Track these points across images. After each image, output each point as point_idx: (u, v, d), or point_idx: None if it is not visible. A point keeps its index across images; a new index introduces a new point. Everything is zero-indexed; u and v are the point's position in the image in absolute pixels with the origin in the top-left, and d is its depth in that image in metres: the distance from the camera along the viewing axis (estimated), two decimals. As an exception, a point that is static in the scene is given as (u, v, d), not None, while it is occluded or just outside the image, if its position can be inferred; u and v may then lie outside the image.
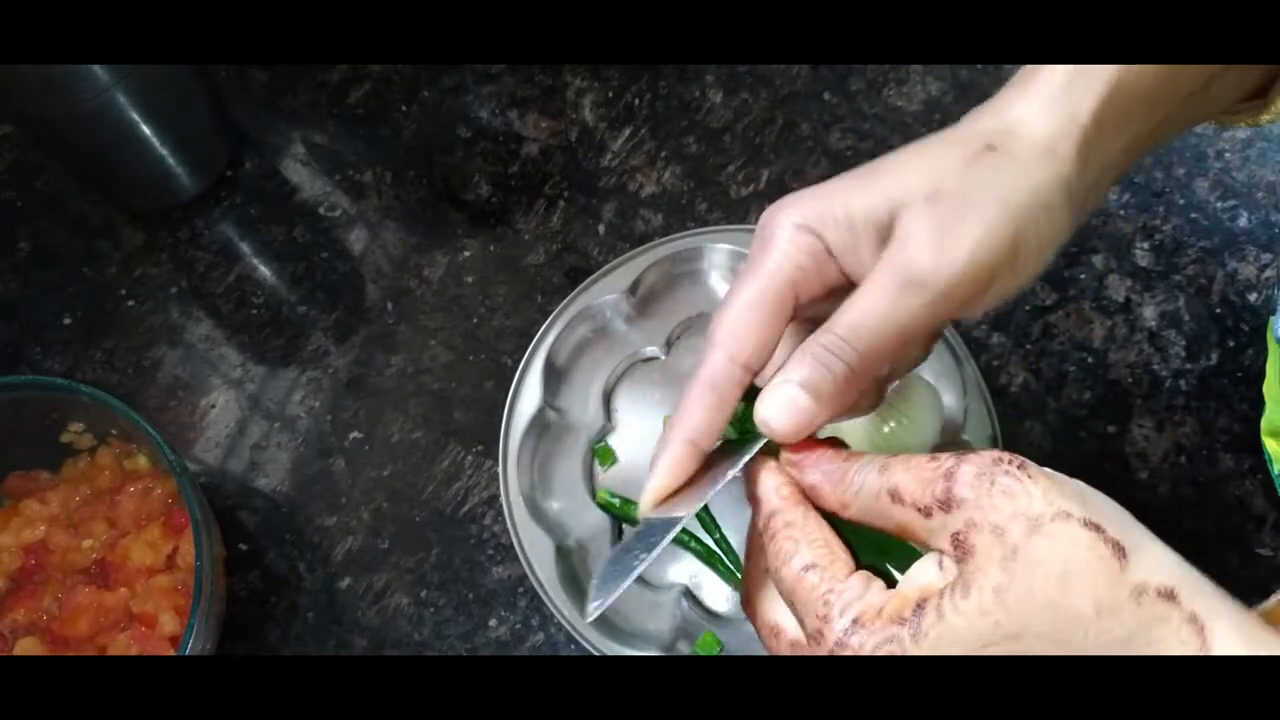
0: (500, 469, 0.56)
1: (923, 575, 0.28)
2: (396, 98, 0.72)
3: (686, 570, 0.56)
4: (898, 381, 0.55)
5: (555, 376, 0.59)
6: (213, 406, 0.62)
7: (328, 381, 0.63)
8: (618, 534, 0.57)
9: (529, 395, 0.58)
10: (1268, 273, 0.63)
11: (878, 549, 0.32)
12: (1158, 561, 0.26)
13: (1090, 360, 0.62)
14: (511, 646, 0.56)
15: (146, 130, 0.62)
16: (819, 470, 0.32)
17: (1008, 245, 0.31)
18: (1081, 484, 0.28)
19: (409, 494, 0.60)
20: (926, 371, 0.58)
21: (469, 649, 0.56)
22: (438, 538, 0.59)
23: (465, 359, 0.63)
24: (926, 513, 0.28)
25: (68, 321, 0.65)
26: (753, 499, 0.34)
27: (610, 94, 0.71)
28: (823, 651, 0.29)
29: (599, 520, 0.57)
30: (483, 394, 0.62)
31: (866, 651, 0.28)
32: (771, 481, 0.33)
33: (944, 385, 0.57)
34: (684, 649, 0.53)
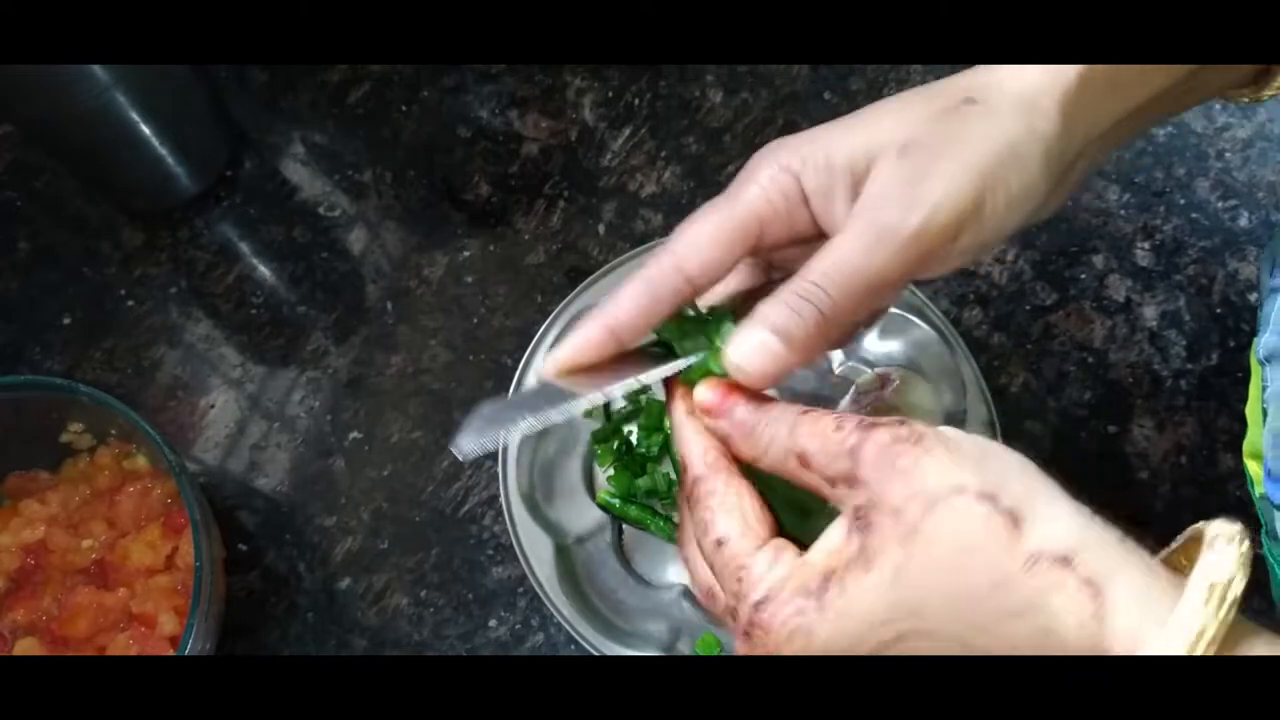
0: (500, 469, 0.56)
1: (829, 544, 0.29)
2: (396, 98, 0.72)
3: (686, 570, 0.56)
4: (897, 381, 0.55)
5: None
6: (212, 406, 0.62)
7: (327, 381, 0.63)
8: (618, 534, 0.57)
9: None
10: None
11: (798, 504, 0.32)
12: (1056, 526, 0.27)
13: (1091, 360, 0.62)
14: (511, 646, 0.56)
15: (146, 130, 0.62)
16: (729, 420, 0.32)
17: (974, 197, 0.31)
18: (985, 444, 0.29)
19: (409, 494, 0.60)
20: (927, 371, 0.58)
21: (469, 649, 0.56)
22: (437, 538, 0.59)
23: (465, 359, 0.63)
24: (832, 483, 0.29)
25: (68, 321, 0.65)
26: (679, 457, 0.34)
27: (610, 94, 0.71)
28: (741, 626, 0.30)
29: (599, 520, 0.56)
30: (483, 394, 0.62)
31: (777, 625, 0.28)
32: (698, 446, 0.33)
33: (944, 385, 0.57)
34: (684, 649, 0.53)
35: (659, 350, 0.35)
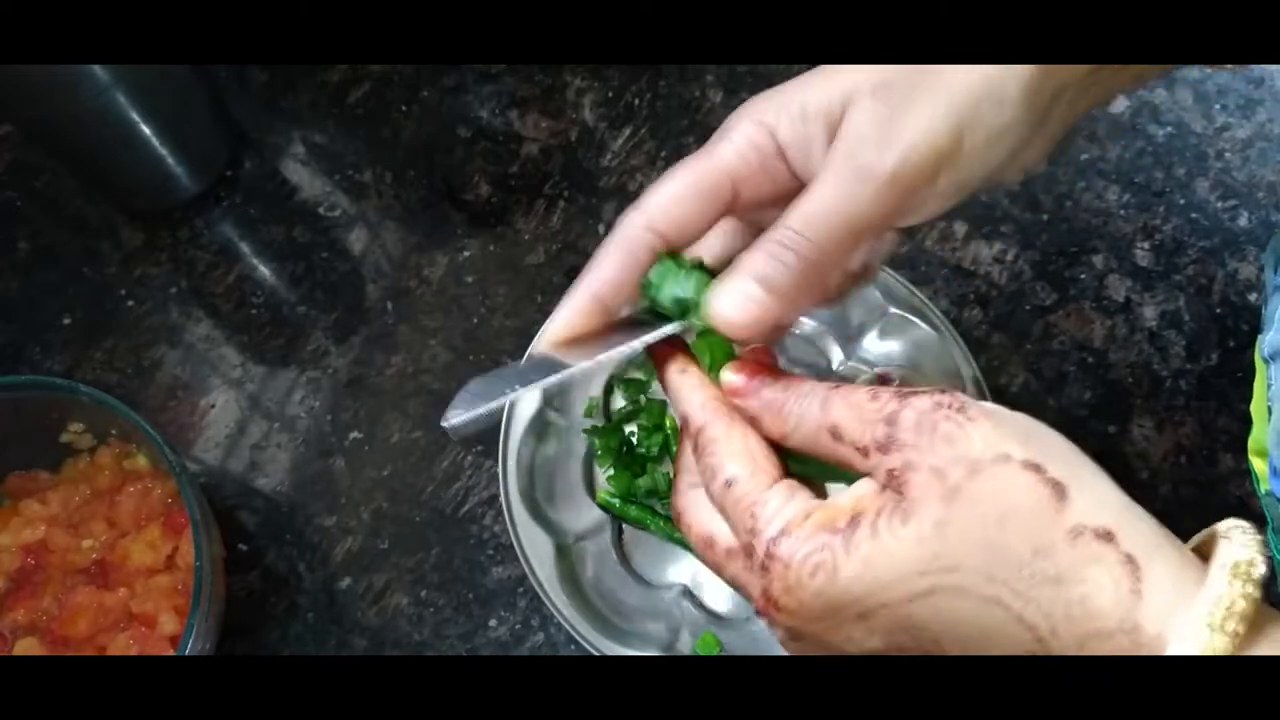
0: (500, 469, 0.56)
1: (858, 491, 0.29)
2: (396, 98, 0.72)
3: (687, 570, 0.56)
4: (897, 381, 0.55)
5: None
6: (212, 406, 0.62)
7: (327, 381, 0.63)
8: (618, 534, 0.57)
9: (529, 395, 0.58)
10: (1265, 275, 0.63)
11: (819, 472, 0.32)
12: (1100, 502, 0.27)
13: (1090, 360, 0.62)
14: (511, 646, 0.56)
15: (146, 130, 0.62)
16: (759, 399, 0.32)
17: (951, 134, 0.31)
18: (1029, 420, 0.29)
19: (409, 494, 0.60)
20: (927, 371, 0.58)
21: (469, 649, 0.56)
22: (438, 538, 0.59)
23: (465, 359, 0.63)
24: (864, 453, 0.29)
25: (68, 321, 0.65)
26: (680, 415, 0.34)
27: (610, 94, 0.71)
28: (756, 562, 0.29)
29: (599, 520, 0.57)
30: (483, 394, 0.62)
31: (798, 559, 0.28)
32: (697, 397, 0.33)
33: (944, 385, 0.56)
34: (684, 649, 0.53)
35: (647, 319, 0.35)
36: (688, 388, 0.33)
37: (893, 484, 0.28)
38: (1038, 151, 0.35)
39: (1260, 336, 0.48)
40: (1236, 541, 0.26)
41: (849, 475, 0.31)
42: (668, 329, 0.33)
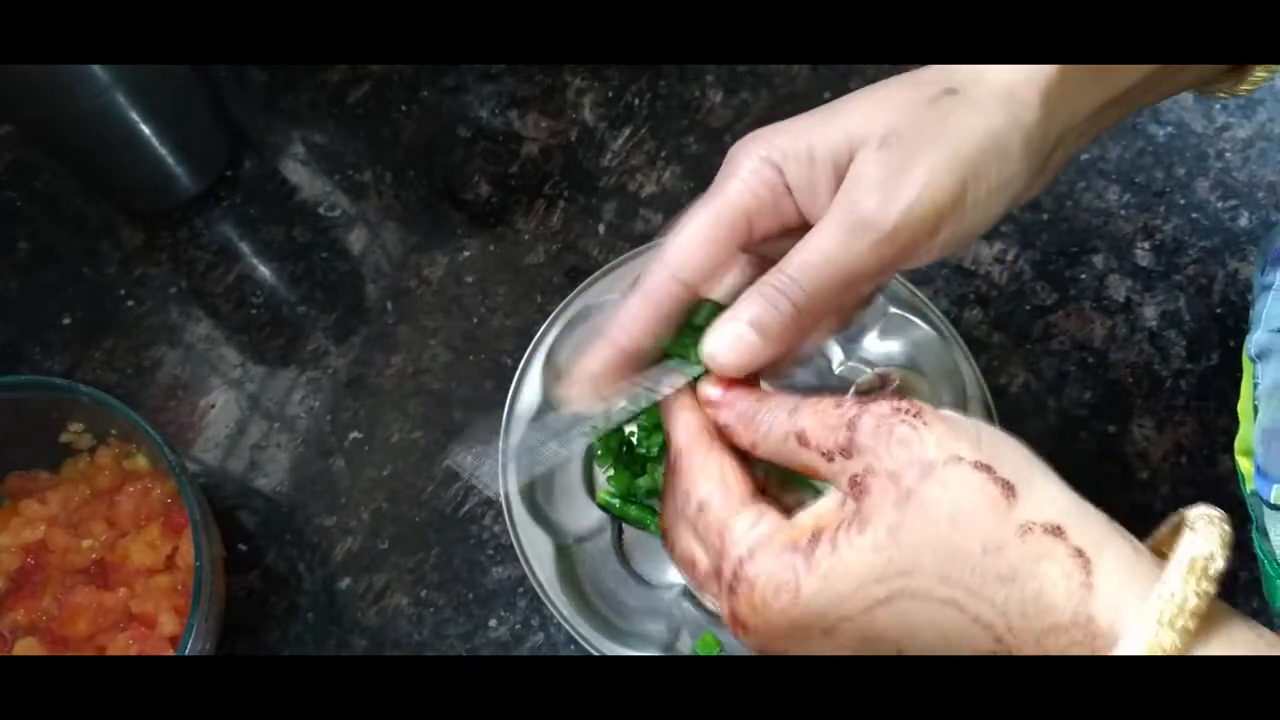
0: (500, 470, 0.56)
1: (820, 508, 0.30)
2: (396, 98, 0.72)
3: (686, 570, 0.56)
4: (897, 381, 0.55)
5: (555, 376, 0.59)
6: (212, 406, 0.62)
7: (327, 381, 0.63)
8: (618, 534, 0.57)
9: (529, 395, 0.57)
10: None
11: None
12: (1049, 499, 0.27)
13: (1091, 360, 0.62)
14: (511, 647, 0.56)
15: (146, 130, 0.62)
16: (733, 411, 0.33)
17: (954, 190, 0.31)
18: (981, 425, 0.29)
19: (409, 494, 0.60)
20: (927, 371, 0.58)
21: (469, 649, 0.56)
22: (437, 538, 0.59)
23: (465, 359, 0.63)
24: (829, 457, 0.30)
25: (67, 321, 0.65)
26: (667, 437, 0.34)
27: (610, 94, 0.71)
28: (724, 584, 0.30)
29: (599, 520, 0.56)
30: (483, 394, 0.62)
31: (762, 580, 0.29)
32: (680, 419, 0.34)
33: (944, 385, 0.57)
34: (684, 649, 0.53)
35: (673, 363, 0.35)
36: (677, 407, 0.34)
37: (854, 490, 0.29)
38: (1037, 190, 0.35)
39: (1248, 336, 0.48)
40: (1201, 534, 0.26)
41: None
42: (691, 373, 0.34)
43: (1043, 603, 0.26)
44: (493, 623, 0.57)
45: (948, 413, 0.29)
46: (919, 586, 0.27)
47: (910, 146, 0.31)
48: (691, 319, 0.35)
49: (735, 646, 0.53)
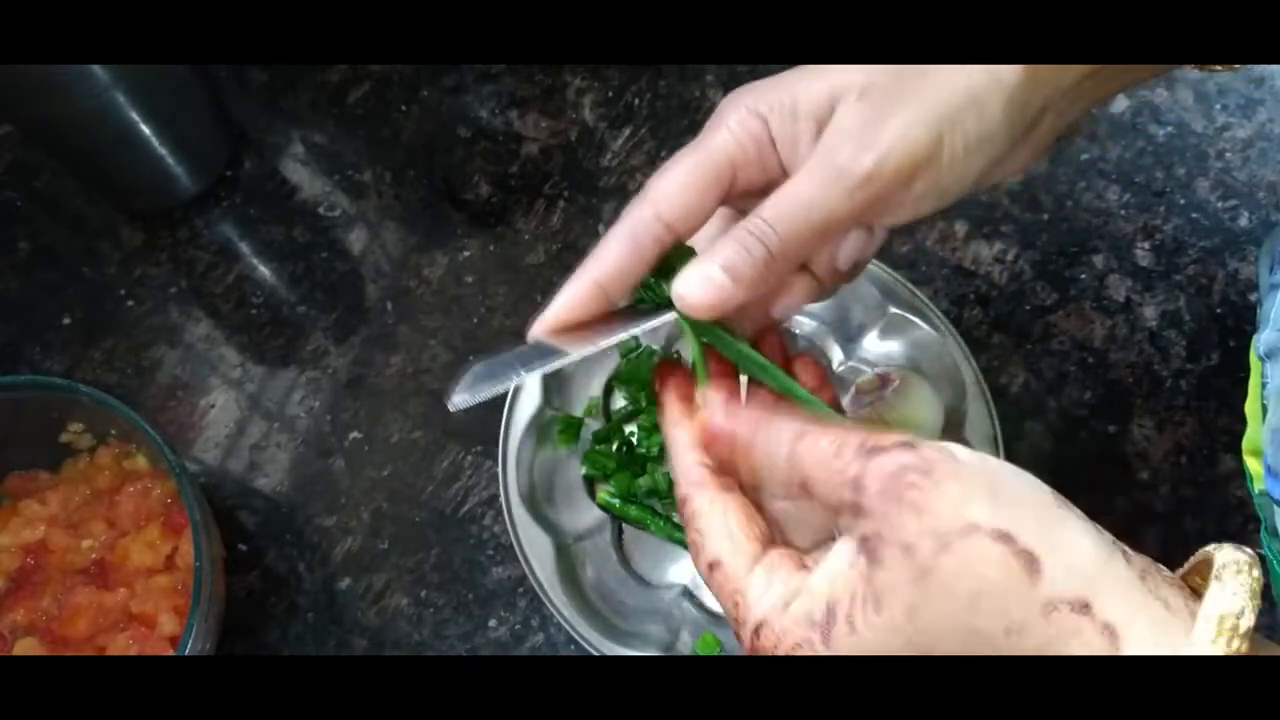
0: (500, 469, 0.56)
1: (834, 568, 0.28)
2: (396, 98, 0.72)
3: (687, 570, 0.56)
4: (897, 381, 0.55)
5: (555, 376, 0.59)
6: (212, 406, 0.62)
7: (327, 381, 0.63)
8: (618, 534, 0.57)
9: (529, 395, 0.58)
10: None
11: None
12: (1074, 566, 0.25)
13: (1091, 360, 0.62)
14: (511, 646, 0.56)
15: (146, 130, 0.62)
16: (730, 447, 0.32)
17: (930, 141, 0.31)
18: (996, 470, 0.27)
19: (409, 494, 0.60)
20: (927, 371, 0.58)
21: (469, 649, 0.56)
22: (437, 538, 0.59)
23: (465, 359, 0.63)
24: (836, 511, 0.28)
25: (67, 321, 0.65)
26: (671, 472, 0.34)
27: (610, 94, 0.71)
28: (746, 642, 0.30)
29: (599, 520, 0.56)
30: (483, 394, 0.62)
31: (782, 649, 0.28)
32: (684, 460, 0.33)
33: (944, 385, 0.57)
34: (684, 649, 0.53)
35: (646, 307, 0.35)
36: (678, 445, 0.33)
37: (866, 549, 0.27)
38: (1027, 158, 0.35)
39: (1255, 335, 0.48)
40: (1229, 586, 0.25)
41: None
42: (667, 317, 0.34)
43: None
44: (493, 623, 0.57)
45: (960, 453, 0.27)
46: None
47: (888, 97, 0.32)
48: (666, 262, 0.34)
49: (735, 646, 0.53)
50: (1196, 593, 0.26)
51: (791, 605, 0.28)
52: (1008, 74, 0.32)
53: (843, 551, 0.28)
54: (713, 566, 0.31)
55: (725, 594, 0.30)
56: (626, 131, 0.70)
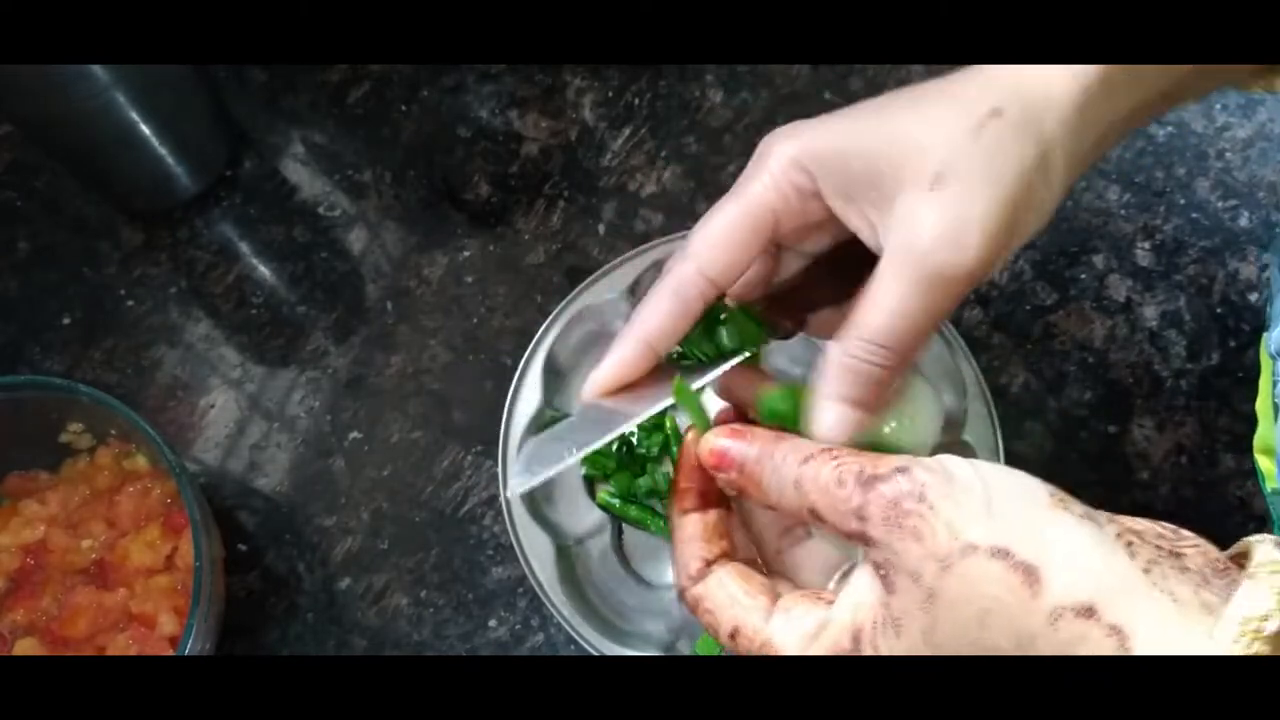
0: (500, 469, 0.56)
1: (856, 598, 0.29)
2: (396, 98, 0.72)
3: (686, 570, 0.56)
4: (898, 381, 0.55)
5: (555, 376, 0.59)
6: (212, 406, 0.62)
7: (327, 381, 0.63)
8: (618, 534, 0.57)
9: (529, 395, 0.58)
10: (1269, 273, 0.63)
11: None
12: (1075, 572, 0.26)
13: (1091, 360, 0.62)
14: (511, 647, 0.56)
15: (146, 130, 0.62)
16: (738, 475, 0.32)
17: (1011, 224, 0.31)
18: (989, 478, 0.28)
19: (409, 494, 0.60)
20: (927, 371, 0.58)
21: (469, 649, 0.56)
22: (437, 538, 0.59)
23: (465, 359, 0.63)
24: (847, 537, 0.29)
25: (67, 321, 0.65)
26: (674, 565, 0.34)
27: (610, 94, 0.71)
28: None
29: (599, 520, 0.56)
30: (482, 394, 0.62)
31: None
32: (685, 553, 0.33)
33: (944, 385, 0.57)
34: (684, 649, 0.53)
35: (689, 362, 0.35)
36: (684, 535, 0.34)
37: (881, 577, 0.28)
38: (1065, 196, 0.35)
39: (1266, 333, 0.48)
40: (1260, 586, 0.25)
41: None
42: (718, 371, 0.34)
43: None
44: (493, 623, 0.57)
45: (955, 469, 0.28)
46: None
47: (969, 186, 0.31)
48: (706, 315, 0.34)
49: (735, 646, 0.53)
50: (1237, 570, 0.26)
51: (819, 637, 0.29)
52: (1066, 129, 0.32)
53: (862, 578, 0.29)
54: (734, 635, 0.31)
55: (753, 650, 0.31)
56: (626, 131, 0.70)
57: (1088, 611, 0.25)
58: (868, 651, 0.28)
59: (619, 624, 0.54)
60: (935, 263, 0.31)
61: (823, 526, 0.30)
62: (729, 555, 0.33)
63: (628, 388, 0.34)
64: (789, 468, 0.30)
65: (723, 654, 0.53)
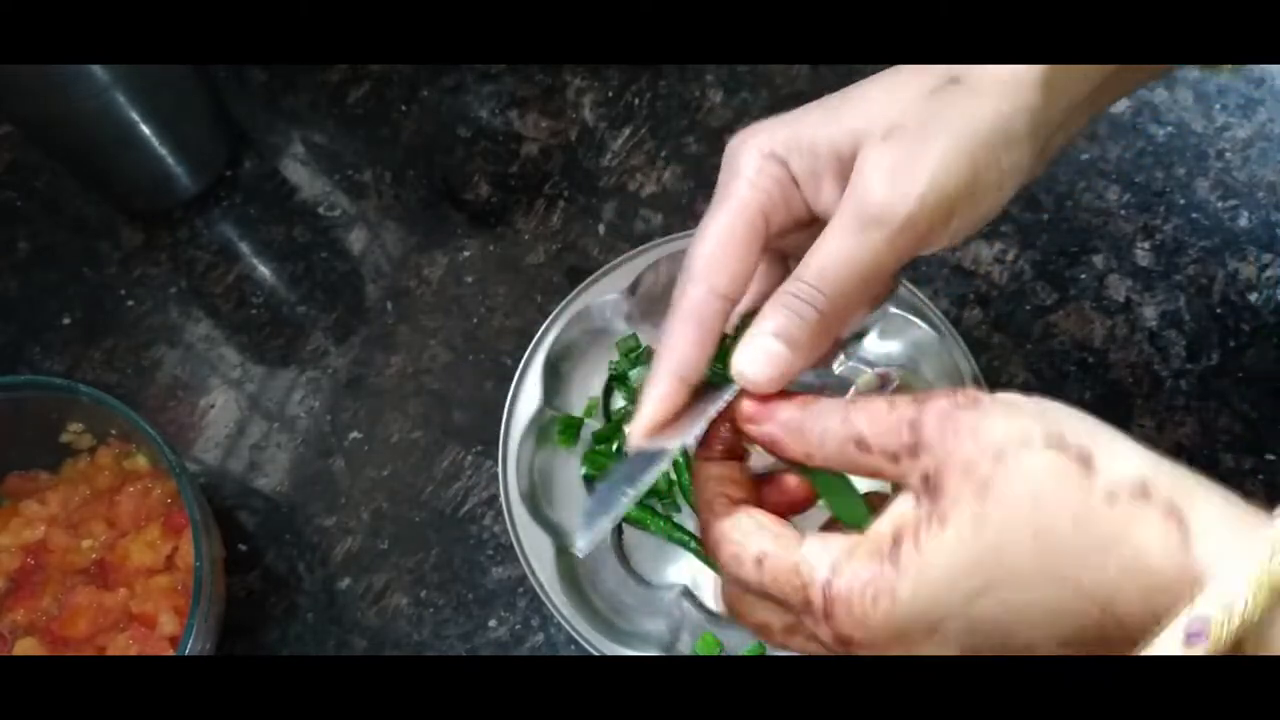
0: (500, 469, 0.56)
1: (896, 512, 0.29)
2: (396, 98, 0.72)
3: (687, 570, 0.56)
4: (897, 381, 0.55)
5: (555, 376, 0.59)
6: (212, 406, 0.62)
7: (327, 381, 0.63)
8: (618, 534, 0.57)
9: (529, 395, 0.58)
10: (1269, 272, 0.63)
11: (826, 488, 0.33)
12: (1126, 461, 0.27)
13: (1091, 360, 0.62)
14: (511, 647, 0.56)
15: (146, 130, 0.62)
16: (775, 423, 0.32)
17: (965, 178, 0.31)
18: (1043, 401, 0.29)
19: (409, 494, 0.60)
20: (927, 371, 0.58)
21: (469, 649, 0.56)
22: (437, 538, 0.59)
23: (465, 359, 0.63)
24: (895, 459, 0.29)
25: (67, 321, 0.65)
26: (696, 503, 0.34)
27: (610, 94, 0.71)
28: (819, 613, 0.29)
29: (599, 520, 0.56)
30: (483, 394, 0.62)
31: (856, 592, 0.28)
32: (709, 490, 0.33)
33: (944, 385, 0.56)
34: (684, 649, 0.53)
35: (717, 379, 0.35)
36: (707, 474, 0.34)
37: (928, 489, 0.28)
38: (1038, 174, 0.35)
39: None
40: None
41: (852, 497, 0.32)
42: (734, 388, 0.34)
43: (1143, 564, 0.25)
44: (493, 623, 0.57)
45: (1002, 395, 0.29)
46: (1015, 571, 0.26)
47: (917, 137, 0.31)
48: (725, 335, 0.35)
49: (735, 646, 0.53)
50: None
51: (855, 552, 0.29)
52: (1030, 97, 0.32)
53: (902, 502, 0.29)
54: (761, 560, 0.30)
55: (783, 574, 0.30)
56: (626, 131, 0.70)
57: (1142, 491, 0.26)
58: (908, 550, 0.27)
59: (619, 624, 0.54)
60: (873, 205, 0.31)
61: (864, 459, 0.30)
62: (753, 504, 0.33)
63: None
64: (835, 407, 0.31)
65: (722, 654, 0.53)
